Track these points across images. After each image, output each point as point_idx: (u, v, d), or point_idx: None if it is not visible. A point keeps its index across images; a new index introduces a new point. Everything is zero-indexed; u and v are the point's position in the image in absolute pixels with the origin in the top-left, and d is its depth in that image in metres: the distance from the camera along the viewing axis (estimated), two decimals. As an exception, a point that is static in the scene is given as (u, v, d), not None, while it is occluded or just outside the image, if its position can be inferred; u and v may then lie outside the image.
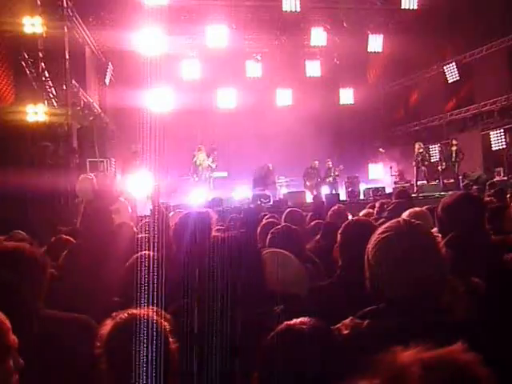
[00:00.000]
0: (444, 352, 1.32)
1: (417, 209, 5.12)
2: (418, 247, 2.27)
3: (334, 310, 2.82)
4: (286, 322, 2.16)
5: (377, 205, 8.83)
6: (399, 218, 2.42)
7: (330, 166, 23.07)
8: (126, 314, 2.32)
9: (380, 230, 2.39)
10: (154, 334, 2.21)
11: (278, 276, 3.31)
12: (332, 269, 4.28)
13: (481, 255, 3.00)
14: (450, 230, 3.30)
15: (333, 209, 7.73)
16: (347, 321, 2.33)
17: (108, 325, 2.32)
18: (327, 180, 22.77)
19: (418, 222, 2.48)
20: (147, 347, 2.17)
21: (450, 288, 2.44)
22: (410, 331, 2.02)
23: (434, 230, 3.67)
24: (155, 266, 2.71)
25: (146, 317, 2.28)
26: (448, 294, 2.39)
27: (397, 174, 23.00)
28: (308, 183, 22.53)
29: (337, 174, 22.48)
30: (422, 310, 2.20)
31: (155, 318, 2.30)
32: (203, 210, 5.06)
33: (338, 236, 3.89)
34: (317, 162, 22.90)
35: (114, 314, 2.36)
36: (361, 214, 7.81)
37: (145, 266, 3.41)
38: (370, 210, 8.27)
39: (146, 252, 4.05)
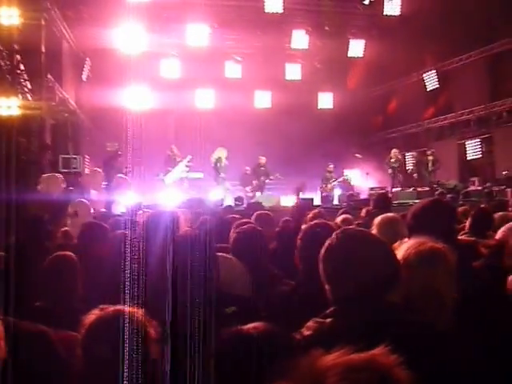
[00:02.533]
0: (365, 355, 1.30)
1: (389, 215, 5.07)
2: (359, 251, 2.39)
3: (294, 315, 2.78)
4: (237, 327, 2.15)
5: (363, 211, 8.87)
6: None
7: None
8: (112, 309, 2.35)
9: (327, 242, 2.50)
10: (138, 335, 2.20)
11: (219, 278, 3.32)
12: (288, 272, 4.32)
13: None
14: (420, 236, 3.24)
15: (314, 212, 7.67)
16: (310, 323, 2.36)
17: (94, 314, 2.35)
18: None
19: (358, 228, 2.62)
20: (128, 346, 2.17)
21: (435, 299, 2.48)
22: (371, 328, 2.11)
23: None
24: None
25: (133, 316, 2.29)
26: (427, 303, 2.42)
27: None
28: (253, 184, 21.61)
29: (274, 177, 21.67)
30: (385, 307, 2.29)
31: (142, 319, 2.31)
32: (170, 210, 4.98)
33: (298, 241, 3.86)
34: (264, 158, 21.94)
35: (101, 306, 2.39)
36: (338, 219, 7.74)
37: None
38: (349, 216, 8.21)
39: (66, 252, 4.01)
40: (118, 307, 2.35)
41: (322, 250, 2.48)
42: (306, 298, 3.32)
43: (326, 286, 2.43)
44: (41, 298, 3.69)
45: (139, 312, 2.33)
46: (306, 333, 2.29)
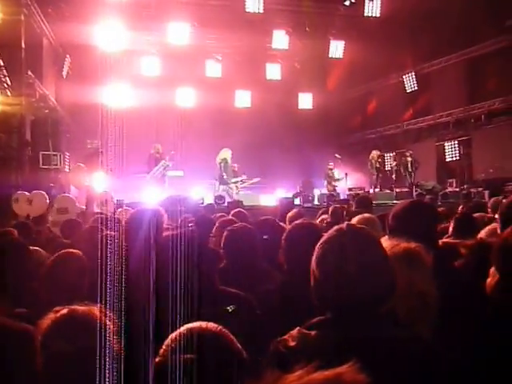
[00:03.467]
0: (329, 374, 1.21)
1: (365, 215, 5.12)
2: (359, 252, 2.18)
3: (278, 314, 2.77)
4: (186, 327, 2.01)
5: (330, 209, 8.76)
6: (343, 224, 2.34)
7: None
8: (66, 310, 2.29)
9: (323, 237, 2.30)
10: (96, 331, 2.13)
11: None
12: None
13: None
14: (401, 237, 3.26)
15: (294, 211, 7.67)
16: (294, 332, 2.22)
17: (48, 319, 2.28)
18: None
19: (361, 226, 2.40)
20: (89, 344, 2.09)
21: (417, 300, 2.43)
22: (359, 344, 2.00)
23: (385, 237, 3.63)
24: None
25: (88, 314, 2.25)
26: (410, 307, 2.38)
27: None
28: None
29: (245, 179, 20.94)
30: (374, 321, 2.15)
31: (98, 316, 2.24)
32: (153, 208, 4.98)
33: (283, 241, 3.84)
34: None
35: (56, 308, 2.33)
36: (319, 220, 7.75)
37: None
38: (325, 217, 8.21)
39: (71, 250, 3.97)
40: (73, 307, 2.31)
41: (318, 247, 2.27)
42: (290, 299, 3.29)
43: (314, 290, 2.26)
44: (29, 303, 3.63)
45: (95, 309, 2.29)
46: (290, 344, 2.14)
